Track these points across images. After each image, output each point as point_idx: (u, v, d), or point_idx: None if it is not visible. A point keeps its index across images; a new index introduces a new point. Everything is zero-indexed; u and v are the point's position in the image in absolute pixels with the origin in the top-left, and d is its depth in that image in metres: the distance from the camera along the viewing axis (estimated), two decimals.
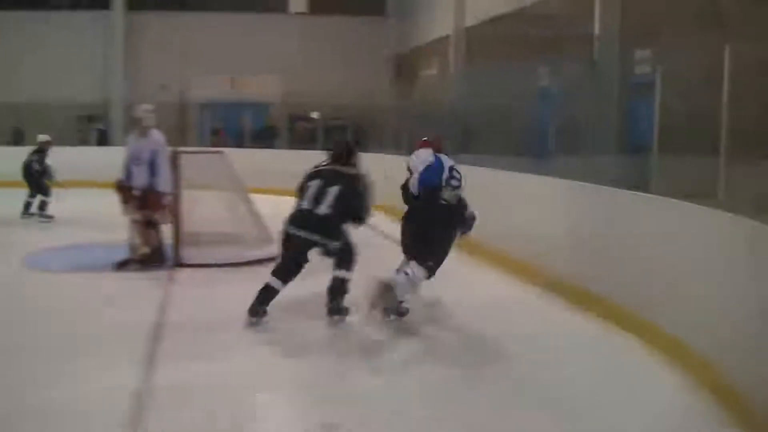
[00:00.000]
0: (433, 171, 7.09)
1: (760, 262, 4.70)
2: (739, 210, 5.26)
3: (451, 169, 7.10)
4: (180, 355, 6.05)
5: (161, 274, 8.87)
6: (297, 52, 23.20)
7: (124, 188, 9.19)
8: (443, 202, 6.99)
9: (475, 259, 9.39)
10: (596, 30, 10.95)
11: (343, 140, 7.58)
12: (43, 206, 13.40)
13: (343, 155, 7.17)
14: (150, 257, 9.20)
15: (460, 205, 7.14)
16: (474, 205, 7.43)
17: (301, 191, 7.19)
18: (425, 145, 7.46)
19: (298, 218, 7.05)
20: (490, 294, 8.39)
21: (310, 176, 7.20)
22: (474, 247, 9.03)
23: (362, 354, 6.34)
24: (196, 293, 8.17)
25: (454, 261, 7.52)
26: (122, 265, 9.14)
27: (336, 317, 7.09)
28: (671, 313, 6.04)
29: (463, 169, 7.20)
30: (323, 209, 6.93)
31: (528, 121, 11.30)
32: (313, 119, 22.22)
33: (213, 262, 9.32)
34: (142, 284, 8.49)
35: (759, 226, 4.83)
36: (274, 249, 9.90)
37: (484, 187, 8.55)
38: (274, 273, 7.02)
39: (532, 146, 10.68)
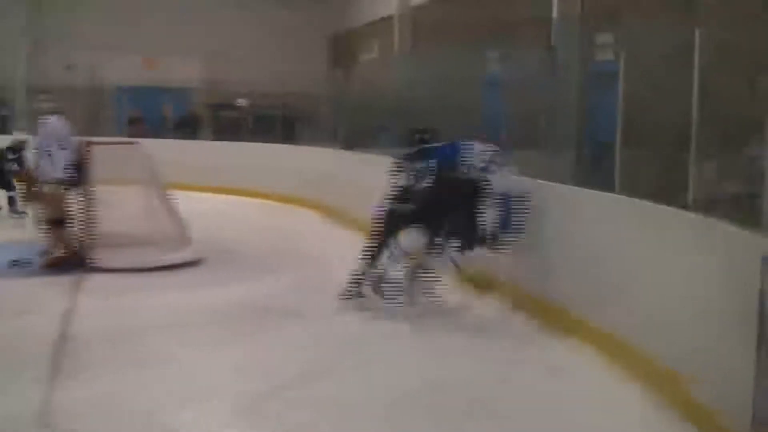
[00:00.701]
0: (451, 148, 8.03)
1: (733, 269, 4.72)
2: (710, 210, 5.29)
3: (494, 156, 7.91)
4: (90, 369, 5.93)
5: (69, 279, 8.71)
6: (223, 32, 22.97)
7: (30, 180, 9.04)
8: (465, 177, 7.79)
9: None
10: (554, 11, 11.00)
11: (423, 127, 8.81)
12: (12, 203, 13.35)
13: (428, 139, 8.46)
14: (64, 260, 9.05)
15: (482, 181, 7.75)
16: None
17: (400, 173, 8.27)
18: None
19: (404, 195, 8.06)
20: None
21: (408, 159, 8.28)
22: None
23: (299, 367, 6.26)
24: (108, 301, 8.02)
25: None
26: (16, 265, 9.00)
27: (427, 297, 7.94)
28: (636, 323, 6.07)
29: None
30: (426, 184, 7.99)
31: (478, 111, 11.30)
32: (239, 107, 22.04)
33: (127, 266, 9.19)
34: (47, 291, 8.32)
35: (732, 230, 4.85)
36: (196, 251, 9.88)
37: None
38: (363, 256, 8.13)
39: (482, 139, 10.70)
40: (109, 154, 9.61)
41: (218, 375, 6.05)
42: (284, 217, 14.79)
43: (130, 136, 16.97)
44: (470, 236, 7.83)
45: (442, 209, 7.83)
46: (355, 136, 15.09)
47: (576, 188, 7.53)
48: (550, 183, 7.94)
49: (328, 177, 14.48)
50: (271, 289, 8.79)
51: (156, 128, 20.91)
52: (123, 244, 9.71)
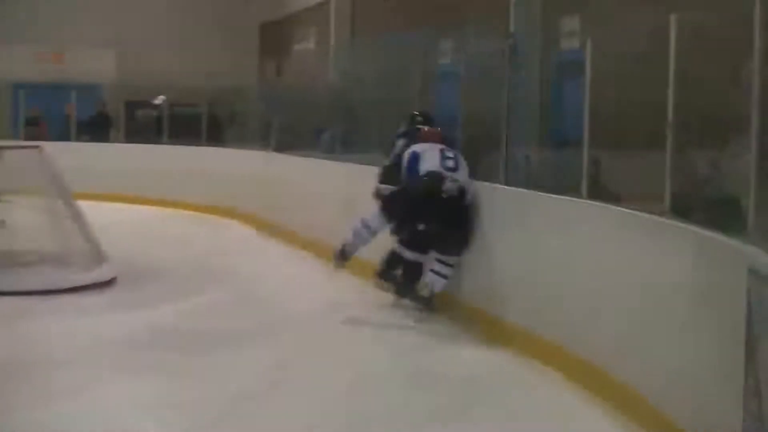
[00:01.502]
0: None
1: (716, 281, 4.78)
2: (690, 216, 5.35)
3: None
4: None
5: None
6: (138, 20, 22.81)
7: None
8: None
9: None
10: None
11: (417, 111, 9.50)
12: None
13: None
14: None
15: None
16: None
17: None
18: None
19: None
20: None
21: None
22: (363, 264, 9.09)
23: (229, 400, 6.23)
24: (8, 328, 7.93)
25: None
26: None
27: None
28: (605, 344, 6.13)
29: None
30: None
31: (428, 107, 11.34)
32: (158, 105, 21.85)
33: (31, 288, 9.08)
34: None
35: (714, 238, 4.90)
36: (109, 271, 9.78)
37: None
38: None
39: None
40: (6, 159, 9.50)
41: (137, 410, 5.99)
42: (210, 231, 14.73)
43: (27, 138, 16.78)
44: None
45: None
46: (290, 137, 15.04)
47: (535, 193, 7.62)
48: (507, 187, 8.02)
49: (260, 184, 14.44)
50: (196, 311, 8.76)
51: (60, 130, 20.68)
52: (25, 263, 9.60)
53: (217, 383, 6.56)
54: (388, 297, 8.78)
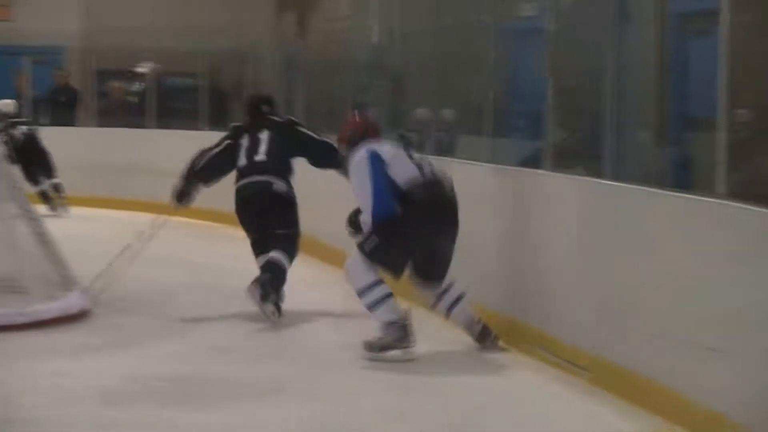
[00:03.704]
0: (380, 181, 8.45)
1: None
2: None
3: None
4: None
5: None
6: None
7: None
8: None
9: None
10: None
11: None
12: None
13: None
14: None
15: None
16: None
17: None
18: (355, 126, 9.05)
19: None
20: None
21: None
22: None
23: None
24: None
25: None
26: None
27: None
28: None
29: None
30: None
31: (502, 76, 11.33)
32: (141, 75, 21.93)
33: None
34: None
35: None
36: (78, 299, 9.78)
37: None
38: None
39: (507, 117, 10.74)
40: None
41: None
42: (213, 244, 14.77)
43: None
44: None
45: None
46: (318, 118, 15.07)
47: (655, 191, 7.58)
48: (614, 183, 8.01)
49: None
50: (195, 353, 8.78)
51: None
52: None
53: None
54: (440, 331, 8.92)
